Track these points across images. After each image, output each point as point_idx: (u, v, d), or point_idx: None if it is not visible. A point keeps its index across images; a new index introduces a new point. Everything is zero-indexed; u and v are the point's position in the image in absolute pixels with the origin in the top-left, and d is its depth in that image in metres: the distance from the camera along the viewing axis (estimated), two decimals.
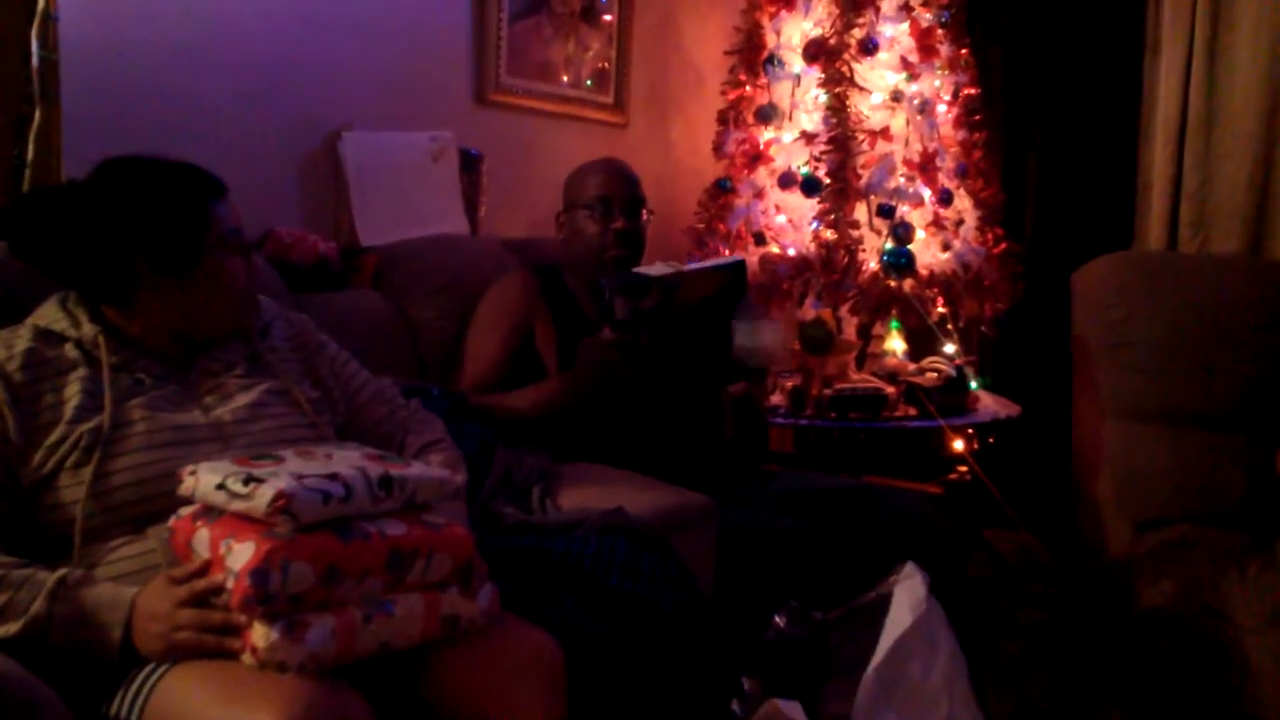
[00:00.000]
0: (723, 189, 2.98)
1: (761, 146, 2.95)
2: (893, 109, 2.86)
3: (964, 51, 2.99)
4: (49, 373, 1.34)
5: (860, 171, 2.76)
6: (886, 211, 2.76)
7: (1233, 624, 2.03)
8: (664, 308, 1.95)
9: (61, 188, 1.50)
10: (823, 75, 2.82)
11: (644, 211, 2.19)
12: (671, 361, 2.08)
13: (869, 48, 2.81)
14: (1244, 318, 2.46)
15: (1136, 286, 2.52)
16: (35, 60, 1.79)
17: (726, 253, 2.93)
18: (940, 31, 2.93)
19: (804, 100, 2.91)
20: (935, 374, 2.81)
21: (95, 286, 1.39)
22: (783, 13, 2.95)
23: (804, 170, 2.83)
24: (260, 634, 1.13)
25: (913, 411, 2.71)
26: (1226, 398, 2.43)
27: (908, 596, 1.54)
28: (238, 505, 1.17)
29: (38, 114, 1.80)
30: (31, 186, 1.79)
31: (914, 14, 2.90)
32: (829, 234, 2.74)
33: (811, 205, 2.80)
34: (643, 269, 1.99)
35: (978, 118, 2.99)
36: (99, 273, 1.37)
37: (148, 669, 1.19)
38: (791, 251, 2.83)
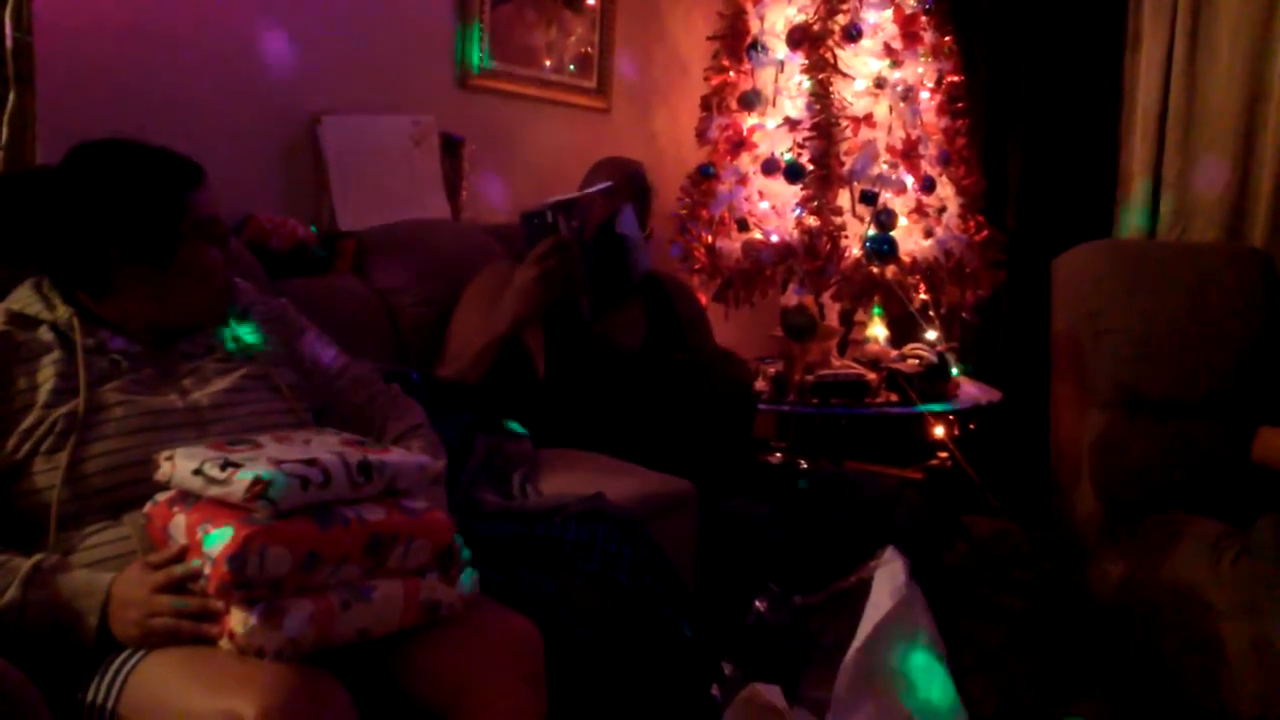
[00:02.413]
0: (706, 175, 2.98)
1: (745, 132, 2.95)
2: (876, 95, 2.86)
3: (947, 39, 2.99)
4: (22, 356, 1.33)
5: (843, 158, 2.76)
6: (869, 198, 2.76)
7: (1209, 610, 2.04)
8: (584, 228, 2.02)
9: (34, 172, 1.48)
10: (806, 61, 2.81)
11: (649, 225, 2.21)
12: (611, 283, 2.12)
13: (852, 34, 2.81)
14: (1222, 306, 2.48)
15: (1117, 274, 2.53)
16: (9, 42, 1.76)
17: (709, 239, 2.93)
18: (924, 18, 2.93)
19: (787, 86, 2.90)
20: (917, 360, 2.82)
21: (68, 273, 1.37)
22: None
23: (787, 156, 2.83)
24: (238, 619, 1.12)
25: (894, 398, 2.72)
26: (1204, 385, 2.44)
27: (888, 581, 1.55)
28: (215, 491, 1.16)
29: (12, 96, 1.78)
30: (4, 170, 1.76)
31: (897, 1, 2.90)
32: (812, 220, 2.74)
33: (794, 191, 2.80)
34: (541, 203, 2.03)
35: (960, 105, 3.00)
36: (71, 260, 1.35)
37: (124, 655, 1.19)
38: (774, 238, 2.83)
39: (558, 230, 1.97)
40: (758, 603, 1.61)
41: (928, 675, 1.51)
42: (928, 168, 2.89)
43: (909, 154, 2.84)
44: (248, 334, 1.49)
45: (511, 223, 2.67)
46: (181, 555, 1.18)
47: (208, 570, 1.14)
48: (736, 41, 2.99)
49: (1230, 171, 3.10)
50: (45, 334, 1.35)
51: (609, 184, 2.14)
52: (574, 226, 1.99)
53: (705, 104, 3.02)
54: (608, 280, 2.10)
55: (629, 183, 2.21)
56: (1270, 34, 3.03)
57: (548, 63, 2.99)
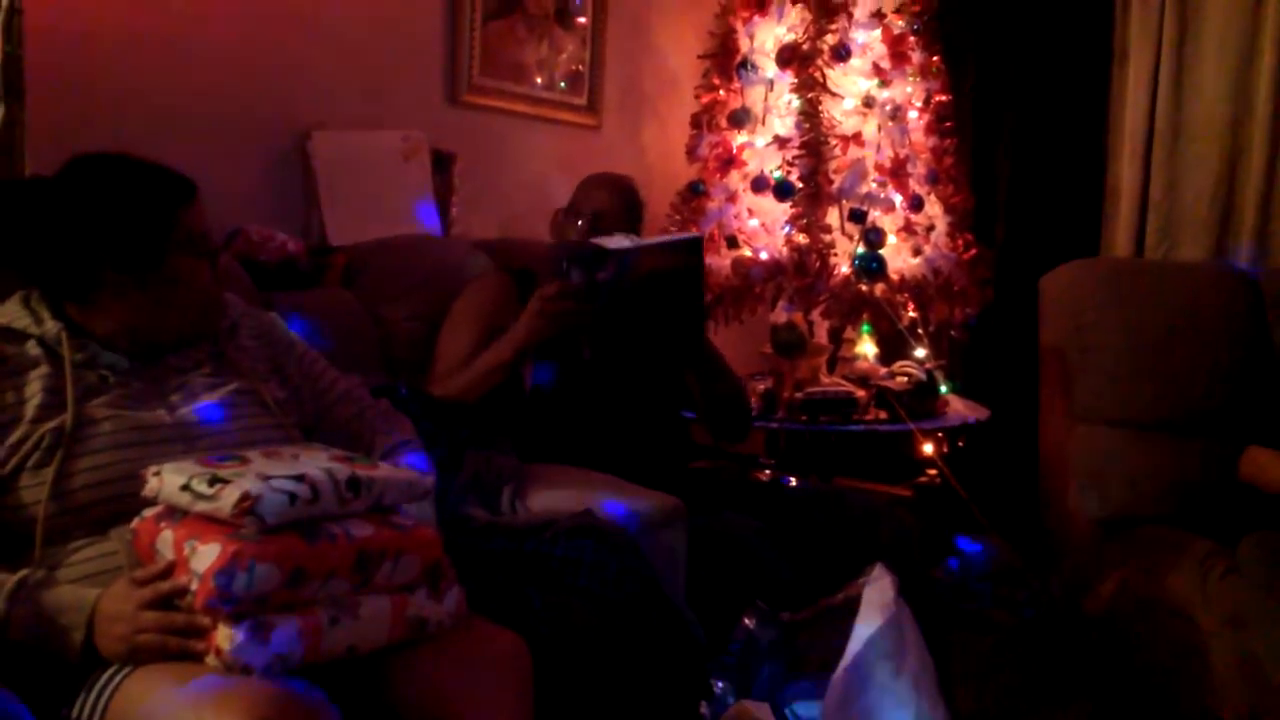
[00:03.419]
0: (696, 192, 2.99)
1: (734, 150, 2.96)
2: (865, 115, 2.88)
3: (935, 59, 3.02)
4: (10, 371, 1.32)
5: (832, 176, 2.78)
6: (858, 216, 2.78)
7: (1197, 625, 2.05)
8: (619, 280, 1.94)
9: (27, 182, 1.48)
10: (795, 80, 2.83)
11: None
12: (630, 336, 2.08)
13: (841, 54, 2.83)
14: (1209, 324, 2.49)
15: (1104, 292, 2.55)
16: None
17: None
18: (912, 39, 2.95)
19: (777, 105, 2.92)
20: (905, 378, 2.83)
21: (57, 284, 1.37)
22: (756, 17, 2.96)
23: (776, 174, 2.84)
24: (225, 636, 1.12)
25: (883, 415, 2.73)
26: (1191, 402, 2.45)
27: (876, 598, 1.54)
28: (202, 506, 1.16)
29: (1, 110, 1.78)
30: None
31: (886, 21, 2.92)
32: (801, 238, 2.76)
33: (784, 209, 2.81)
34: (600, 239, 1.98)
35: (948, 124, 3.02)
36: (61, 270, 1.35)
37: (110, 671, 1.18)
38: (764, 255, 2.84)
39: (568, 277, 1.94)
40: (746, 619, 1.61)
41: (916, 691, 1.51)
42: (916, 186, 2.91)
43: (897, 172, 2.86)
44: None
45: (500, 239, 2.69)
46: (168, 571, 1.18)
47: (195, 586, 1.13)
48: (726, 60, 3.00)
49: (1216, 189, 3.13)
50: (33, 348, 1.35)
51: (697, 236, 2.10)
52: (601, 279, 1.92)
53: (695, 122, 3.04)
54: (634, 333, 2.07)
55: (624, 197, 2.20)
56: (1255, 52, 3.06)
57: (538, 79, 3.00)
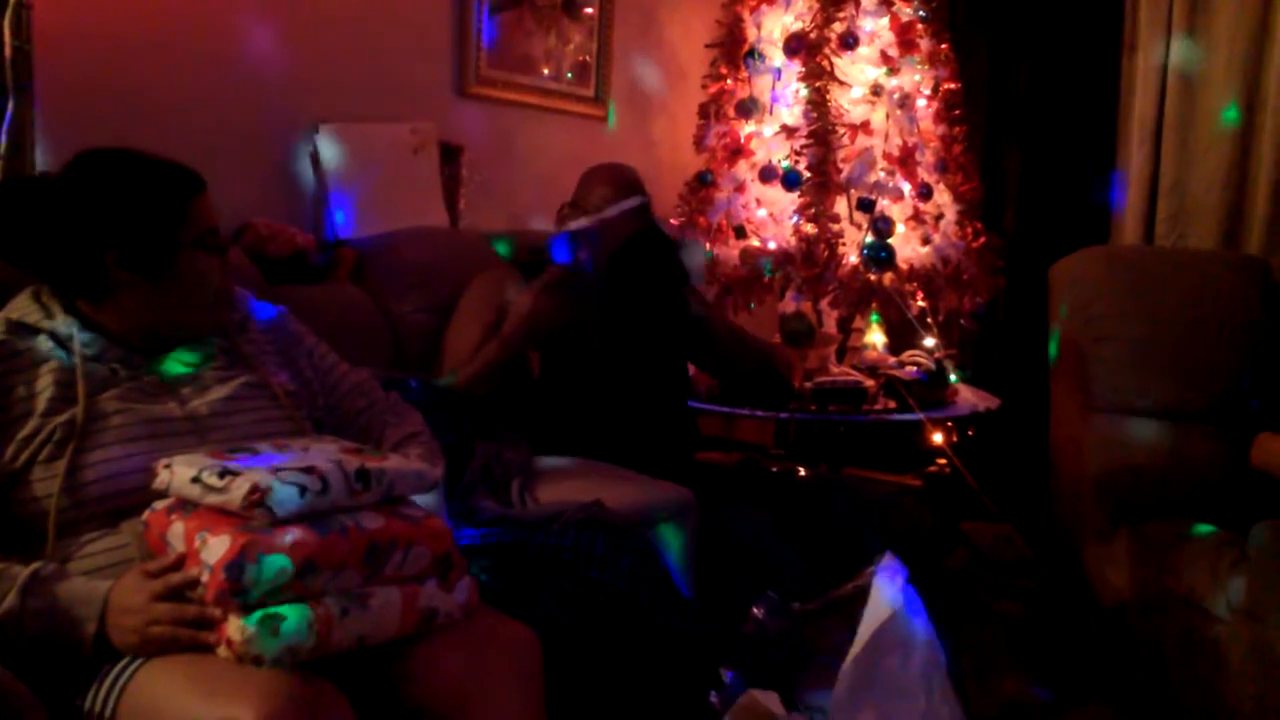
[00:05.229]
0: (704, 182, 2.98)
1: (742, 140, 2.95)
2: (873, 103, 2.86)
3: (944, 46, 3.00)
4: (21, 365, 1.33)
5: (840, 165, 2.77)
6: (867, 205, 2.77)
7: (1209, 615, 2.05)
8: (596, 252, 2.05)
9: (35, 179, 1.48)
10: (803, 69, 2.82)
11: None
12: (628, 311, 2.11)
13: (849, 42, 2.82)
14: (1219, 312, 2.48)
15: (1113, 281, 2.54)
16: (8, 50, 1.78)
17: (708, 246, 2.94)
18: (920, 26, 2.94)
19: (784, 94, 2.91)
20: (915, 367, 2.82)
21: (66, 281, 1.38)
22: (763, 6, 2.95)
23: (785, 164, 2.83)
24: (235, 627, 1.12)
25: (892, 404, 2.72)
26: (1202, 391, 2.45)
27: (886, 588, 1.54)
28: (213, 499, 1.16)
29: (10, 104, 1.79)
30: (3, 177, 1.77)
31: (894, 8, 2.90)
32: (809, 228, 2.75)
33: (792, 199, 2.80)
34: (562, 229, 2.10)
35: (957, 112, 3.00)
36: (71, 267, 1.36)
37: (122, 663, 1.19)
38: (772, 245, 2.83)
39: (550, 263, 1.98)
40: (756, 609, 1.61)
41: (926, 681, 1.51)
42: (925, 175, 2.90)
43: (906, 161, 2.85)
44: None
45: (509, 230, 2.69)
46: (179, 563, 1.18)
47: (205, 578, 1.14)
48: (734, 49, 2.99)
49: (1226, 177, 3.11)
50: (44, 343, 1.35)
51: (640, 200, 2.12)
52: (581, 258, 1.99)
53: (703, 112, 3.03)
54: (631, 304, 2.09)
55: (626, 191, 2.19)
56: (1266, 40, 3.04)
57: (546, 71, 3.00)
